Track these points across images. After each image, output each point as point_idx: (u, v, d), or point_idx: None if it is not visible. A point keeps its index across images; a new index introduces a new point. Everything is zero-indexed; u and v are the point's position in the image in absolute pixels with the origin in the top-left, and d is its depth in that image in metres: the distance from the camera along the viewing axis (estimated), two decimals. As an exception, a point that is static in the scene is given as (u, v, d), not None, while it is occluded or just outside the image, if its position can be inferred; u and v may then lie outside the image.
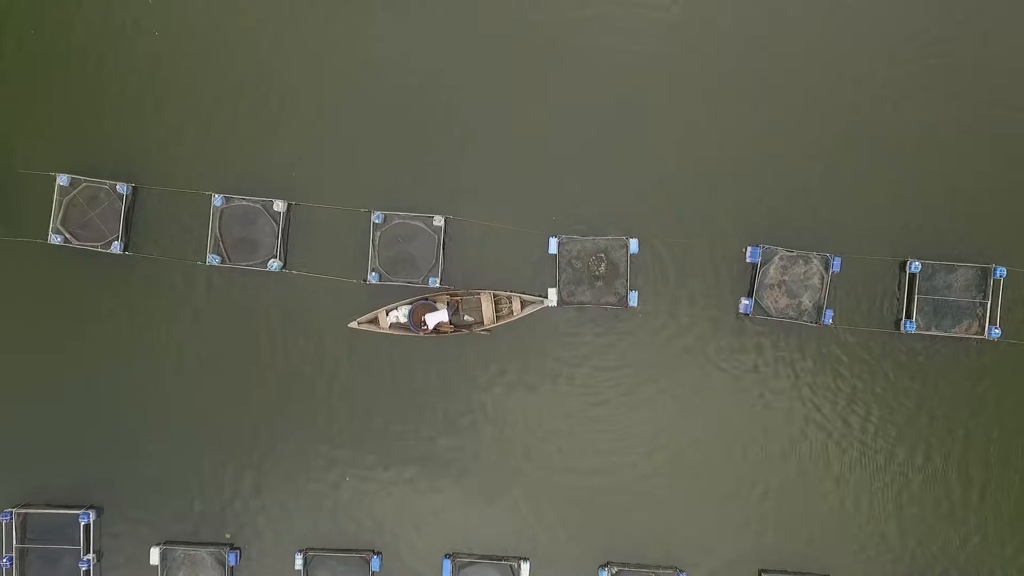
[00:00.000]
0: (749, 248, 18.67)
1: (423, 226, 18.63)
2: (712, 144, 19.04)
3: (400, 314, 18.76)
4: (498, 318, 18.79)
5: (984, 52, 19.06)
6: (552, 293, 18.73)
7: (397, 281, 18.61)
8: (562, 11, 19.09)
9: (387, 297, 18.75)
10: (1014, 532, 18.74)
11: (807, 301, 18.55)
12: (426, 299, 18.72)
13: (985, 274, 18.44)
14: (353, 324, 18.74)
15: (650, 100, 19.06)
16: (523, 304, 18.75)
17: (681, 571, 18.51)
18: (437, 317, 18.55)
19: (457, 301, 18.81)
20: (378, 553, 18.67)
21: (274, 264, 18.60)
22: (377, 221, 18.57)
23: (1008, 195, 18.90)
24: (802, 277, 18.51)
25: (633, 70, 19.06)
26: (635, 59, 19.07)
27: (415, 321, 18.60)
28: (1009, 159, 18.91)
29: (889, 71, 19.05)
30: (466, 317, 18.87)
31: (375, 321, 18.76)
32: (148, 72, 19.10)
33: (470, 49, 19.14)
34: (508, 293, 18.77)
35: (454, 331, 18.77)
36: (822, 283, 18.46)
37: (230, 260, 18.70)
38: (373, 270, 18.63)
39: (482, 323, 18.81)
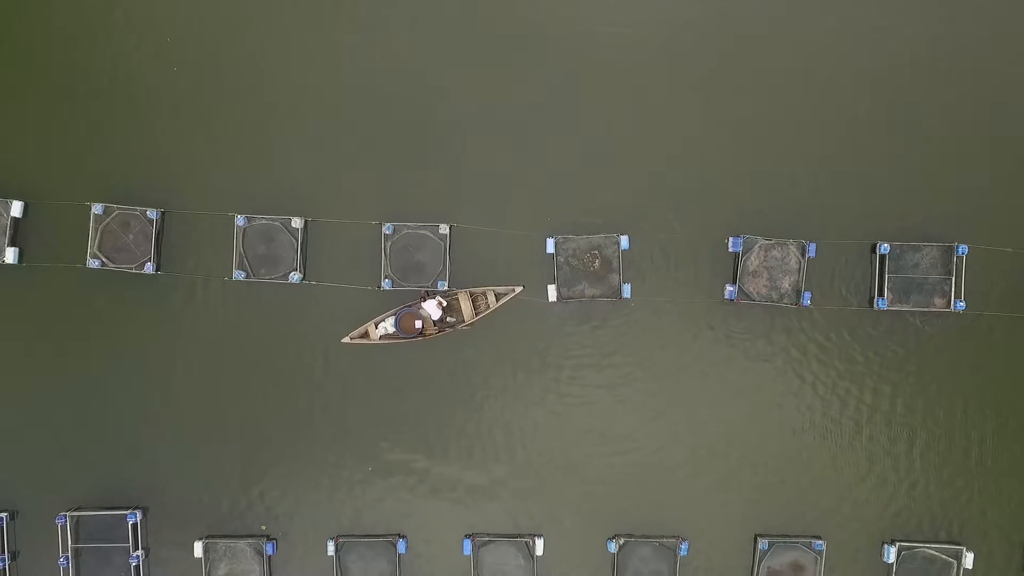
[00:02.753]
0: (731, 238, 20.07)
1: (430, 234, 20.06)
2: (694, 144, 20.43)
3: (387, 324, 20.10)
4: (476, 313, 20.19)
5: (942, 45, 20.44)
6: (551, 289, 20.16)
7: (409, 287, 20.08)
8: (552, 20, 20.57)
9: (396, 302, 20.14)
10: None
11: (786, 285, 20.00)
12: (409, 306, 20.06)
13: (949, 252, 19.83)
14: (346, 340, 20.05)
15: (636, 106, 20.44)
16: (498, 296, 20.12)
17: (683, 539, 19.93)
18: (432, 310, 19.83)
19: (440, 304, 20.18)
20: (403, 536, 20.15)
21: (295, 276, 20.10)
22: (387, 232, 20.00)
23: (967, 177, 20.27)
24: (781, 263, 19.97)
25: (618, 81, 20.46)
26: (620, 70, 20.47)
27: (403, 328, 19.97)
28: (966, 144, 20.32)
29: (858, 66, 20.40)
30: (448, 318, 20.26)
31: (366, 335, 20.11)
32: (170, 105, 20.50)
33: (465, 69, 20.55)
34: (482, 289, 20.17)
35: (439, 332, 20.14)
36: (799, 268, 19.91)
37: (254, 275, 20.14)
38: (386, 277, 20.06)
39: (463, 320, 20.24)
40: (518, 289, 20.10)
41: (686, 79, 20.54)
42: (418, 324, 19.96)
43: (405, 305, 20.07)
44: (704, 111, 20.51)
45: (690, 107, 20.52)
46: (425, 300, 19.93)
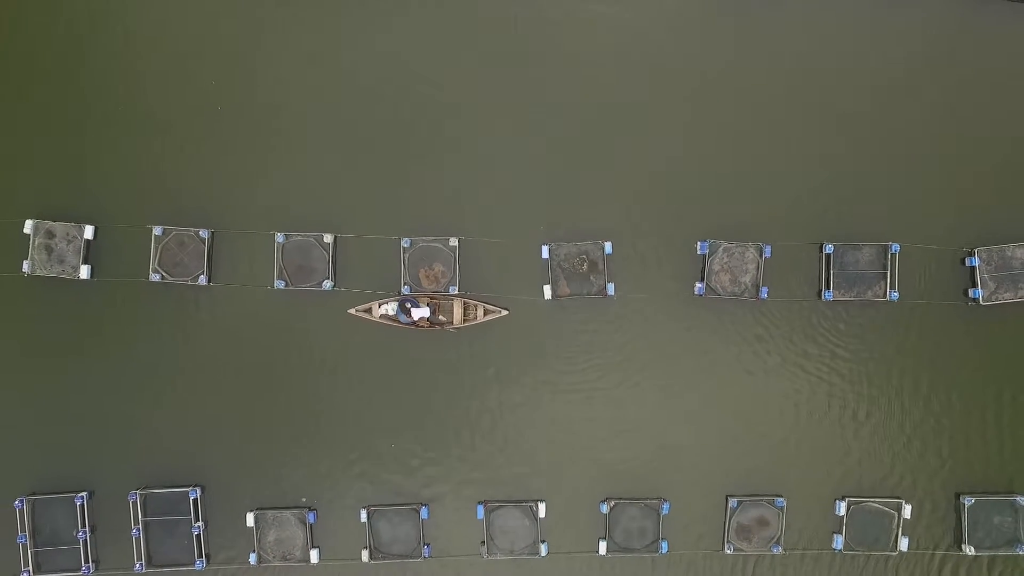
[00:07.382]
0: (699, 242, 23.16)
1: (441, 246, 23.19)
2: (667, 164, 23.49)
3: (388, 308, 22.92)
4: (465, 320, 23.10)
5: (894, 56, 23.52)
6: (546, 289, 23.18)
7: (424, 292, 23.18)
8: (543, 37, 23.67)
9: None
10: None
11: (747, 281, 23.12)
12: (411, 298, 22.82)
13: (884, 250, 22.98)
14: (351, 311, 22.94)
15: (618, 126, 23.47)
16: (486, 312, 23.08)
17: (665, 500, 22.99)
18: (420, 312, 22.76)
19: (436, 303, 23.11)
20: (425, 504, 23.28)
21: (327, 284, 23.17)
22: (405, 245, 23.07)
23: (902, 184, 23.39)
24: (742, 263, 23.13)
25: (608, 112, 23.48)
26: (613, 105, 23.49)
27: (403, 311, 22.76)
28: (900, 153, 23.43)
29: (815, 100, 23.46)
30: (440, 317, 23.18)
31: (369, 311, 22.96)
32: (219, 142, 23.53)
33: (468, 102, 23.66)
34: (475, 302, 23.12)
35: (430, 327, 23.01)
36: (758, 266, 23.07)
37: (292, 284, 23.21)
38: (405, 284, 23.17)
39: (451, 323, 23.19)
40: (504, 312, 23.06)
41: (661, 113, 23.60)
42: (414, 314, 22.64)
43: (409, 296, 22.92)
44: (677, 136, 23.61)
45: (665, 132, 23.61)
46: (418, 307, 22.75)
